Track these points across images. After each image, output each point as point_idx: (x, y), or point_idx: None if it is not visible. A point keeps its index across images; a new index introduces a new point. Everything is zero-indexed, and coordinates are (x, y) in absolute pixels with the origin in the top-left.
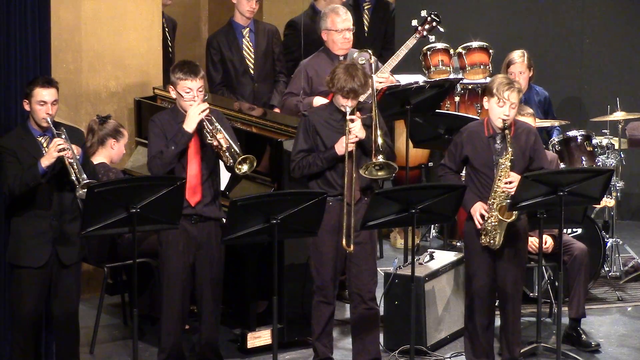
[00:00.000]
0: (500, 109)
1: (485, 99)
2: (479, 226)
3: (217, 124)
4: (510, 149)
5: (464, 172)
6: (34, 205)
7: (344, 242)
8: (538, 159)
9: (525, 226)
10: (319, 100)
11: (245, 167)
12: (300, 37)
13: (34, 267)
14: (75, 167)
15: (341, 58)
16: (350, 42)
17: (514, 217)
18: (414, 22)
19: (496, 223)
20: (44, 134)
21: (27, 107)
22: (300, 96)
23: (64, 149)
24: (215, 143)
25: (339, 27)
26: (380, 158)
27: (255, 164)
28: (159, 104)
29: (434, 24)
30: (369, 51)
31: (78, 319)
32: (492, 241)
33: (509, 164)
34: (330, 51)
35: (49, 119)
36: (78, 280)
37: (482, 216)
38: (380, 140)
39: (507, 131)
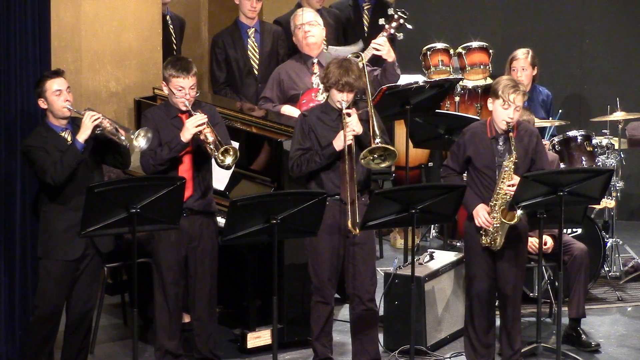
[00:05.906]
0: (505, 112)
1: (489, 100)
2: (484, 226)
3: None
4: (514, 152)
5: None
6: (67, 198)
7: (349, 223)
8: (539, 161)
9: (526, 227)
10: (287, 109)
11: (228, 159)
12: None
13: (68, 260)
14: (118, 128)
15: (314, 60)
16: (315, 38)
17: (515, 219)
18: (381, 21)
19: (498, 225)
20: (65, 129)
21: (44, 105)
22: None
23: (98, 119)
24: (202, 137)
25: (297, 22)
26: (378, 140)
27: (238, 155)
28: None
29: (401, 21)
30: (361, 54)
31: (92, 317)
32: (492, 242)
33: (513, 166)
34: (302, 53)
35: (69, 106)
36: (97, 277)
37: (486, 218)
38: (377, 131)
39: (510, 134)
